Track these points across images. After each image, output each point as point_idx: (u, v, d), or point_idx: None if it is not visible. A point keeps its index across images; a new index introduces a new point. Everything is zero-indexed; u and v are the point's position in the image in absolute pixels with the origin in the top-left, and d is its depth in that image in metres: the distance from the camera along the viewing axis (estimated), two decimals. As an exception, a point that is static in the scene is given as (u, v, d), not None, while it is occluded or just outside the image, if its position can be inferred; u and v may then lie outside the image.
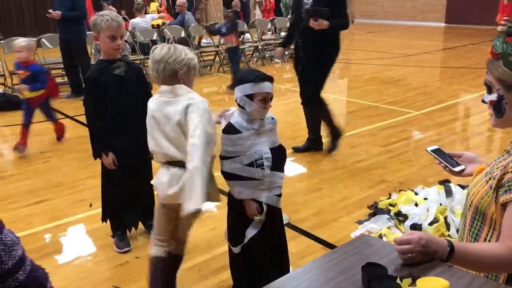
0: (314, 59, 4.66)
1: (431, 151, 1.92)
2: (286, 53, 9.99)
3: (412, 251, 1.44)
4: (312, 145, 4.97)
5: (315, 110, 4.88)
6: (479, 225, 1.62)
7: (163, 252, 2.43)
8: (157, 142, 2.25)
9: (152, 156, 3.14)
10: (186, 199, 2.02)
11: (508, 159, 1.55)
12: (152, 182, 2.38)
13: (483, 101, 1.64)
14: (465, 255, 1.48)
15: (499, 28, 13.66)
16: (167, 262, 2.44)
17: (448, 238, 1.71)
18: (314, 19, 4.36)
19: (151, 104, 2.28)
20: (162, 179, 2.28)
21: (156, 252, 2.44)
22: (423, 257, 1.45)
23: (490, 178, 1.58)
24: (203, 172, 2.02)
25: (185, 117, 2.13)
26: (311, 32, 4.42)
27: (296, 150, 4.94)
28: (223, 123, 2.40)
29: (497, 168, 1.57)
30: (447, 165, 1.86)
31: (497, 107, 1.59)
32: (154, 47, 2.29)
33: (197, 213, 2.02)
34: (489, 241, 1.58)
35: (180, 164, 2.18)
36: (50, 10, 7.17)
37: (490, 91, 1.60)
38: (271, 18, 11.92)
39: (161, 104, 2.22)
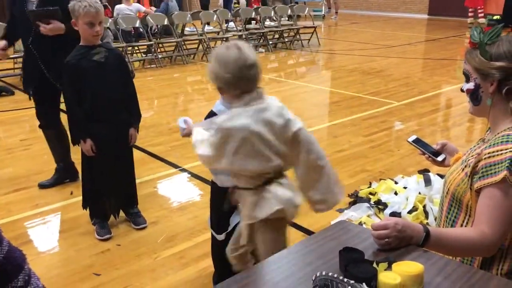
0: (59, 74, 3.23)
1: (412, 141, 1.96)
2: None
3: (389, 236, 1.47)
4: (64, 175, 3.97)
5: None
6: (455, 212, 1.66)
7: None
8: (266, 157, 1.90)
9: (132, 144, 3.15)
10: (333, 194, 2.04)
11: (482, 146, 1.59)
12: (276, 208, 1.95)
13: (462, 90, 1.68)
14: (440, 240, 1.51)
15: (469, 20, 13.89)
16: None
17: (424, 224, 1.75)
18: (44, 22, 3.28)
19: (243, 120, 1.86)
20: (285, 195, 1.98)
21: None
22: (399, 242, 1.48)
23: (465, 166, 1.61)
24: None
25: (284, 119, 1.92)
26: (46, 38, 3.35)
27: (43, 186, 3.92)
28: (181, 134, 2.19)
29: (472, 156, 1.61)
30: (430, 155, 1.91)
31: (474, 95, 1.63)
32: (226, 46, 1.90)
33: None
34: (465, 227, 1.62)
35: (284, 172, 2.03)
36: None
37: (468, 79, 1.64)
38: (256, 7, 11.87)
39: (256, 114, 1.88)
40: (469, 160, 1.61)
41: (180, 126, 2.12)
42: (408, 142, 1.98)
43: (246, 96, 1.88)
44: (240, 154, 1.86)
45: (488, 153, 1.52)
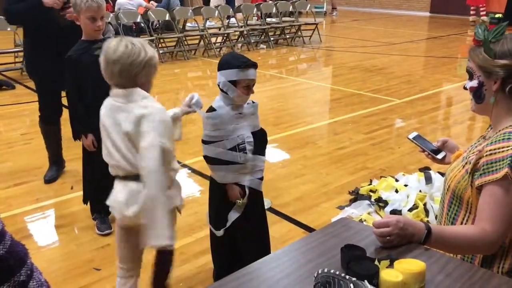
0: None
1: (413, 138, 1.96)
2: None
3: (390, 233, 1.47)
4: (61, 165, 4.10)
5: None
6: (456, 209, 1.66)
7: (132, 285, 2.18)
8: (109, 152, 1.99)
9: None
10: (149, 233, 1.84)
11: (483, 143, 1.59)
12: (107, 202, 2.07)
13: (465, 88, 1.67)
14: (442, 238, 1.51)
15: (471, 18, 13.88)
16: None
17: (425, 222, 1.76)
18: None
19: (102, 108, 2.01)
20: (118, 197, 2.00)
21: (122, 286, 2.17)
22: (401, 239, 1.48)
23: (466, 163, 1.61)
24: (163, 201, 1.84)
25: (135, 129, 1.87)
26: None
27: None
28: (196, 110, 2.28)
29: (473, 153, 1.61)
30: (430, 152, 1.90)
31: (477, 93, 1.63)
32: (108, 41, 1.94)
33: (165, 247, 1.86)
34: (465, 224, 1.62)
35: (136, 178, 1.91)
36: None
37: (471, 77, 1.64)
38: (257, 3, 11.83)
39: (112, 109, 1.96)
40: (470, 157, 1.61)
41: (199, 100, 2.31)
42: (409, 139, 1.98)
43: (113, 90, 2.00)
44: None
45: (490, 150, 1.52)
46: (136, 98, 1.92)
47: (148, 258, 2.21)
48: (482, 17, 13.27)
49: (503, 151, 1.49)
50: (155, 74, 2.01)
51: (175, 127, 2.19)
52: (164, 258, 2.10)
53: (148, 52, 1.91)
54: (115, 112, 1.94)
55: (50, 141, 3.94)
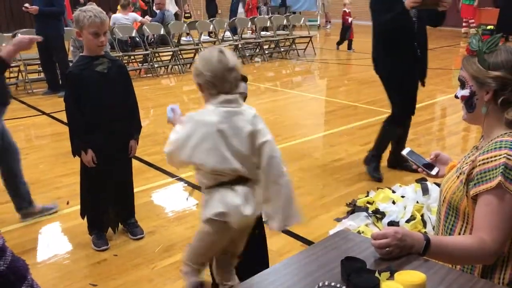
0: None
1: (406, 154, 2.00)
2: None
3: (389, 245, 1.47)
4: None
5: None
6: (453, 220, 1.67)
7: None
8: (223, 158, 1.97)
9: (132, 155, 3.14)
10: (283, 215, 2.04)
11: (476, 153, 1.60)
12: (218, 211, 2.00)
13: (456, 96, 1.69)
14: (441, 249, 1.51)
15: (463, 30, 14.04)
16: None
17: (423, 233, 1.77)
18: None
19: (213, 117, 1.98)
20: (233, 202, 2.00)
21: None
22: (400, 251, 1.48)
23: (460, 173, 1.62)
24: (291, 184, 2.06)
25: (254, 127, 2.01)
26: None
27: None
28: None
29: (466, 163, 1.62)
30: (423, 168, 1.93)
31: (469, 102, 1.64)
32: (207, 50, 2.04)
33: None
34: (463, 234, 1.62)
35: (246, 181, 2.03)
36: (27, 5, 7.02)
37: (463, 86, 1.65)
38: (252, 17, 11.93)
39: (228, 116, 1.99)
40: (463, 167, 1.62)
41: (168, 114, 2.16)
42: (402, 155, 2.01)
43: (222, 96, 1.99)
44: (201, 148, 1.95)
45: (482, 159, 1.53)
46: (242, 100, 2.08)
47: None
48: (471, 30, 13.45)
49: (495, 160, 1.50)
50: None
51: None
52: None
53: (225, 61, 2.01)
54: (234, 117, 2.00)
55: None
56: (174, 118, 2.13)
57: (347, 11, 11.38)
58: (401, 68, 3.90)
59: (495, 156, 1.51)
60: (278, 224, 2.06)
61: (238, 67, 2.01)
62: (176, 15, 12.59)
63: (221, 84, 1.98)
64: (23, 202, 3.47)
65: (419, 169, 1.95)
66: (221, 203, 2.00)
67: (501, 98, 1.55)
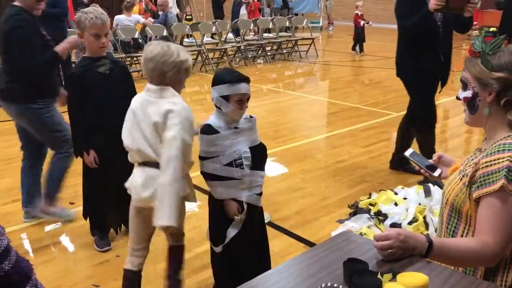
0: None
1: (409, 155, 1.98)
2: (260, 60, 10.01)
3: (392, 246, 1.47)
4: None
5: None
6: (455, 222, 1.66)
7: (139, 265, 2.43)
8: (133, 139, 2.23)
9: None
10: (157, 214, 2.09)
11: (479, 156, 1.59)
12: (126, 184, 2.32)
13: (458, 98, 1.68)
14: (443, 250, 1.51)
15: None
16: (139, 276, 2.45)
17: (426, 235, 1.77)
18: None
19: (135, 99, 2.29)
20: (136, 181, 2.25)
21: (133, 265, 2.41)
22: (403, 252, 1.48)
23: (463, 176, 1.62)
24: (176, 188, 2.09)
25: (164, 121, 2.13)
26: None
27: None
28: None
29: (469, 165, 1.61)
30: (426, 169, 1.92)
31: (471, 104, 1.63)
32: (148, 43, 2.26)
33: (169, 227, 2.09)
34: (465, 237, 1.62)
35: (155, 165, 2.17)
36: (30, 6, 7.04)
37: (465, 87, 1.65)
38: (254, 18, 11.94)
39: (144, 102, 2.23)
40: (466, 170, 1.62)
41: None
42: (405, 156, 1.99)
43: (147, 85, 2.26)
44: (124, 127, 2.31)
45: (486, 162, 1.53)
46: (166, 95, 2.20)
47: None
48: (474, 32, 13.42)
49: (498, 163, 1.49)
50: (186, 77, 2.30)
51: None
52: (175, 253, 2.51)
53: (181, 56, 2.20)
54: (148, 105, 2.20)
55: None
56: None
57: (359, 13, 11.33)
58: (423, 73, 3.89)
59: (498, 159, 1.50)
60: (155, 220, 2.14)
61: (156, 60, 2.16)
62: (177, 17, 12.63)
63: (146, 73, 2.24)
64: (33, 201, 3.51)
65: (422, 171, 1.94)
66: (129, 180, 2.30)
67: (504, 99, 1.55)
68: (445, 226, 1.71)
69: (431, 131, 4.08)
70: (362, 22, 11.23)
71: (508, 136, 1.56)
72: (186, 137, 2.12)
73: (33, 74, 3.14)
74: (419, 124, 4.08)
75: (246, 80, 2.26)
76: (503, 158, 1.49)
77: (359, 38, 11.45)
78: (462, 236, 1.64)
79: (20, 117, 3.31)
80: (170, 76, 2.19)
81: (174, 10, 12.28)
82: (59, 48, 3.20)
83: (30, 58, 3.05)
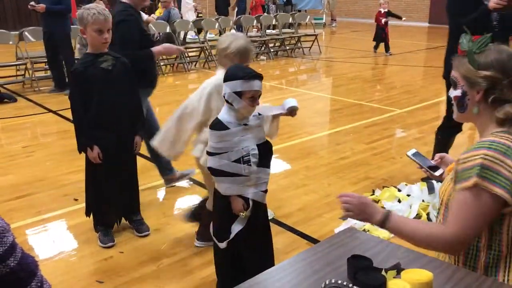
0: None
1: (412, 155, 2.00)
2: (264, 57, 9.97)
3: (350, 202, 1.61)
4: None
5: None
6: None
7: None
8: None
9: (137, 151, 3.16)
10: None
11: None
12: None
13: (449, 96, 1.71)
14: (399, 225, 1.60)
15: None
16: None
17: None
18: None
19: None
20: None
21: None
22: (359, 214, 1.62)
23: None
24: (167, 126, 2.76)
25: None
26: None
27: None
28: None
29: None
30: (428, 169, 1.94)
31: (460, 102, 1.66)
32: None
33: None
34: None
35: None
36: (33, 3, 7.05)
37: (455, 86, 1.66)
38: (257, 15, 11.92)
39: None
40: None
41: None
42: (407, 155, 2.03)
43: None
44: None
45: (463, 158, 1.54)
46: (217, 72, 2.70)
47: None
48: None
49: (472, 160, 1.51)
50: (240, 62, 2.53)
51: (271, 123, 2.81)
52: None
53: (232, 45, 2.60)
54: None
55: None
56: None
57: (382, 11, 10.64)
58: None
59: (473, 156, 1.51)
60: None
61: (217, 45, 2.76)
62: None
63: None
64: (165, 171, 3.96)
65: (423, 170, 1.96)
66: None
67: (491, 97, 1.56)
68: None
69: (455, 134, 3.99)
70: (383, 20, 10.55)
71: (494, 132, 1.57)
72: (190, 103, 2.67)
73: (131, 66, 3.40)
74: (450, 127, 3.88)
75: (260, 77, 2.26)
76: (477, 155, 1.50)
77: (379, 37, 10.80)
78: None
79: None
80: (222, 60, 2.69)
81: (191, 15, 12.03)
82: (155, 49, 3.51)
83: (128, 51, 3.26)
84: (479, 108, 1.60)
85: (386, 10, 10.64)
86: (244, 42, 2.63)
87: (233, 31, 3.01)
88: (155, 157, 3.79)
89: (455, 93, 1.66)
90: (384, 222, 1.59)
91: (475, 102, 1.60)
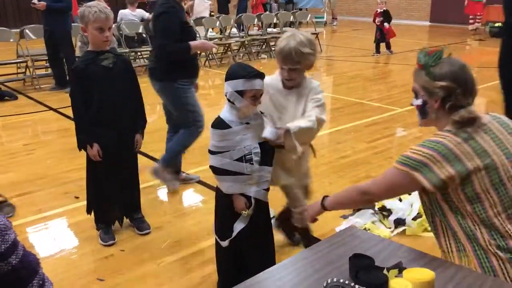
0: None
1: None
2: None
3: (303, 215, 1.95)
4: None
5: None
6: (430, 218, 1.81)
7: None
8: None
9: (137, 150, 3.16)
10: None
11: None
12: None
13: (412, 104, 1.87)
14: (335, 198, 1.96)
15: (470, 27, 13.97)
16: None
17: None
18: None
19: None
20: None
21: None
22: (308, 213, 2.10)
23: None
24: None
25: None
26: None
27: None
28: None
29: None
30: None
31: (422, 110, 1.84)
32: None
33: None
34: (445, 229, 1.73)
35: None
36: (34, 1, 7.04)
37: (416, 96, 1.84)
38: (258, 13, 11.91)
39: None
40: None
41: (275, 131, 2.29)
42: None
43: None
44: None
45: (410, 148, 1.74)
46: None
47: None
48: (473, 25, 13.39)
49: (414, 153, 1.69)
50: (281, 64, 2.46)
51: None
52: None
53: (279, 43, 2.45)
54: None
55: None
56: (282, 128, 2.32)
57: (378, 10, 10.47)
58: None
59: (417, 150, 1.71)
60: None
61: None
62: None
63: None
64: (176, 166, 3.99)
65: None
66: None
67: (448, 104, 1.73)
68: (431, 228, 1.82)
69: None
70: (377, 20, 10.43)
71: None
72: None
73: (168, 58, 3.50)
74: None
75: (261, 76, 2.25)
76: (419, 151, 1.69)
77: (376, 37, 10.65)
78: (442, 229, 1.74)
79: (160, 94, 3.71)
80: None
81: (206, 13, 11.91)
82: (193, 43, 3.56)
83: (168, 43, 3.43)
84: (437, 115, 1.78)
85: (382, 10, 10.49)
86: (286, 43, 2.41)
87: (291, 29, 2.85)
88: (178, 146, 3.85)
89: (417, 102, 1.83)
90: (323, 203, 1.96)
91: (434, 109, 1.77)
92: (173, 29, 3.45)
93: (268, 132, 2.27)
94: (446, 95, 1.72)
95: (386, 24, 10.37)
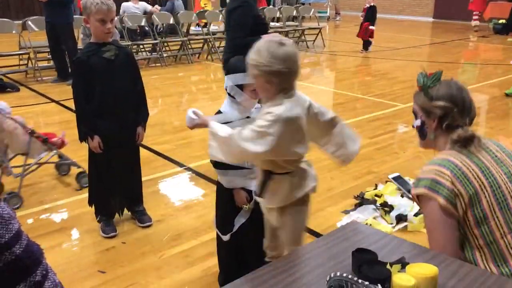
0: None
1: (392, 178, 2.10)
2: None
3: None
4: None
5: None
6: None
7: None
8: (306, 144, 2.14)
9: (139, 142, 3.14)
10: None
11: None
12: (314, 184, 2.17)
13: (413, 126, 1.93)
14: None
15: (473, 23, 13.91)
16: None
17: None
18: None
19: (298, 109, 2.03)
20: (314, 172, 2.23)
21: None
22: None
23: None
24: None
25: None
26: None
27: None
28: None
29: None
30: (406, 192, 2.13)
31: (421, 131, 1.89)
32: (271, 40, 1.96)
33: None
34: None
35: None
36: (36, -8, 7.03)
37: (416, 117, 1.90)
38: (261, 7, 11.86)
39: (301, 104, 2.14)
40: None
41: (190, 116, 2.03)
42: (389, 178, 2.14)
43: (291, 90, 1.96)
44: (294, 141, 1.97)
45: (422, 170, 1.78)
46: None
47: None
48: (473, 22, 13.33)
49: (423, 173, 1.74)
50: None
51: None
52: None
53: None
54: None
55: None
56: (201, 119, 2.03)
57: (367, 5, 10.32)
58: None
59: (425, 170, 1.75)
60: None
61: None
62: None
63: (294, 78, 1.97)
64: None
65: (402, 192, 2.08)
66: (312, 177, 2.15)
67: (445, 123, 1.80)
68: None
69: None
70: (360, 14, 10.33)
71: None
72: None
73: (242, 50, 3.41)
74: None
75: None
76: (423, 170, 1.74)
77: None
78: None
79: None
80: None
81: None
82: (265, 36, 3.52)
83: (240, 36, 3.50)
84: (435, 135, 1.84)
85: (369, 5, 10.25)
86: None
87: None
88: None
89: (416, 123, 1.89)
90: None
91: (432, 129, 1.84)
92: (247, 23, 3.57)
93: (187, 116, 2.03)
94: (443, 114, 1.79)
95: (371, 27, 10.26)
